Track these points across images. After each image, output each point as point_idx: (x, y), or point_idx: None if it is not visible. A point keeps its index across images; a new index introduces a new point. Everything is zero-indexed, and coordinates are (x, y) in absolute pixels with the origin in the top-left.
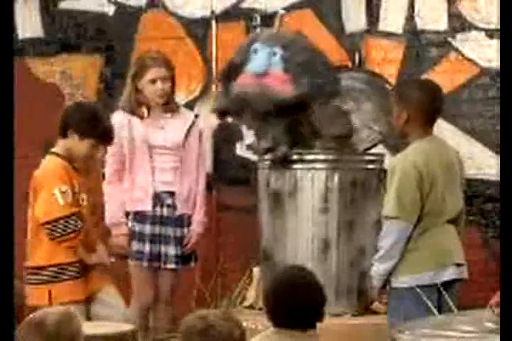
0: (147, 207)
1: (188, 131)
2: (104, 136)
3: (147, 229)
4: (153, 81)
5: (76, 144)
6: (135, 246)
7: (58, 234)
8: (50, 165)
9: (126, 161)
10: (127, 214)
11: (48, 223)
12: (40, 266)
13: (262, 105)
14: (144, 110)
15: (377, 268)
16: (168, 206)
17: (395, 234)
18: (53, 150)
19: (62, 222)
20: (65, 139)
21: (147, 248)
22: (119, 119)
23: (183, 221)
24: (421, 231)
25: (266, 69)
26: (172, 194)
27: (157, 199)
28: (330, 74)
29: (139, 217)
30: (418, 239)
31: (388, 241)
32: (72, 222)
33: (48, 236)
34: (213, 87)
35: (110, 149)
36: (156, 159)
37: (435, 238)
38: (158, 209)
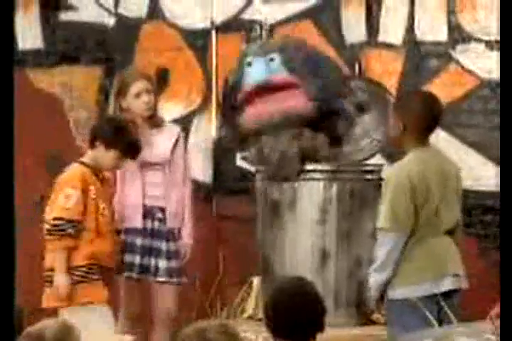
0: (138, 224)
1: (174, 145)
2: (130, 148)
3: (138, 241)
4: (137, 94)
5: (102, 155)
6: (126, 258)
7: (45, 234)
8: (69, 171)
9: (116, 179)
10: (118, 230)
11: (45, 221)
12: (47, 267)
13: (280, 128)
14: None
15: (374, 279)
16: (159, 220)
17: (389, 245)
18: (81, 158)
19: (51, 222)
20: (93, 150)
21: (137, 260)
22: None
23: (173, 234)
24: (417, 242)
25: (266, 76)
26: (162, 208)
27: (148, 213)
28: (334, 70)
29: (130, 231)
30: (414, 250)
31: (382, 252)
32: (59, 225)
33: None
34: (213, 98)
35: None
36: (145, 175)
37: (431, 249)
38: (149, 223)
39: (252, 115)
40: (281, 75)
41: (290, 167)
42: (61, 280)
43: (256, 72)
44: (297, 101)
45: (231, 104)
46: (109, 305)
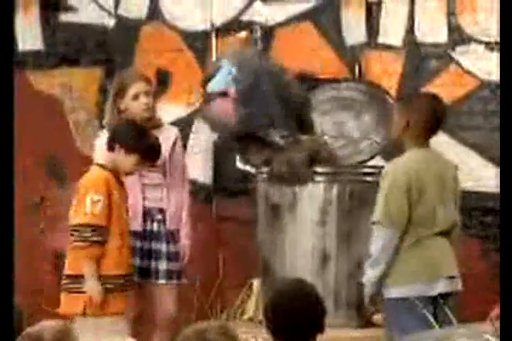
0: (137, 226)
1: (173, 146)
2: (150, 152)
3: (138, 243)
4: (135, 96)
5: (121, 159)
6: None
7: (71, 240)
8: (91, 174)
9: None
10: None
11: (70, 227)
12: (65, 273)
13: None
14: None
15: (367, 275)
16: (159, 221)
17: (383, 240)
18: (99, 162)
19: (78, 228)
20: (112, 153)
21: (137, 262)
22: (104, 140)
23: (173, 236)
24: (411, 242)
25: (223, 88)
26: (162, 210)
27: (147, 215)
28: (277, 102)
29: (130, 233)
30: (408, 250)
31: (376, 246)
32: (87, 232)
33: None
34: None
35: None
36: (144, 176)
37: (425, 250)
38: (148, 224)
39: (213, 106)
40: (232, 90)
41: (300, 171)
42: (94, 287)
43: (217, 81)
44: (226, 115)
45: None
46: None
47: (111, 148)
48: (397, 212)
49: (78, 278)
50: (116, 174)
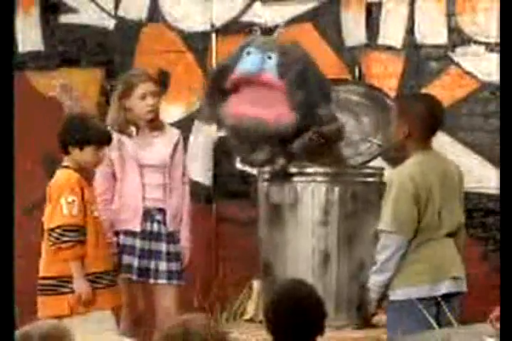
0: (136, 226)
1: (174, 148)
2: (100, 137)
3: (137, 243)
4: (142, 97)
5: (80, 156)
6: (125, 259)
7: (51, 243)
8: (61, 176)
9: (116, 180)
10: (117, 232)
11: (49, 230)
12: (42, 276)
13: (257, 137)
14: (133, 129)
15: (374, 281)
16: (158, 222)
17: (392, 248)
18: (63, 164)
19: (58, 230)
20: (69, 155)
21: (136, 262)
22: None
23: (173, 237)
24: (418, 244)
25: (259, 70)
26: (162, 210)
27: (147, 215)
28: (323, 88)
29: (129, 233)
30: (415, 252)
31: (385, 254)
32: (69, 232)
33: (47, 244)
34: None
35: (99, 170)
36: (145, 177)
37: (432, 251)
38: (148, 225)
39: (233, 113)
40: (270, 75)
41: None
42: (84, 286)
43: (250, 63)
44: (280, 113)
45: (219, 86)
46: (111, 310)
47: (66, 151)
48: (407, 218)
49: (61, 279)
50: (83, 173)
